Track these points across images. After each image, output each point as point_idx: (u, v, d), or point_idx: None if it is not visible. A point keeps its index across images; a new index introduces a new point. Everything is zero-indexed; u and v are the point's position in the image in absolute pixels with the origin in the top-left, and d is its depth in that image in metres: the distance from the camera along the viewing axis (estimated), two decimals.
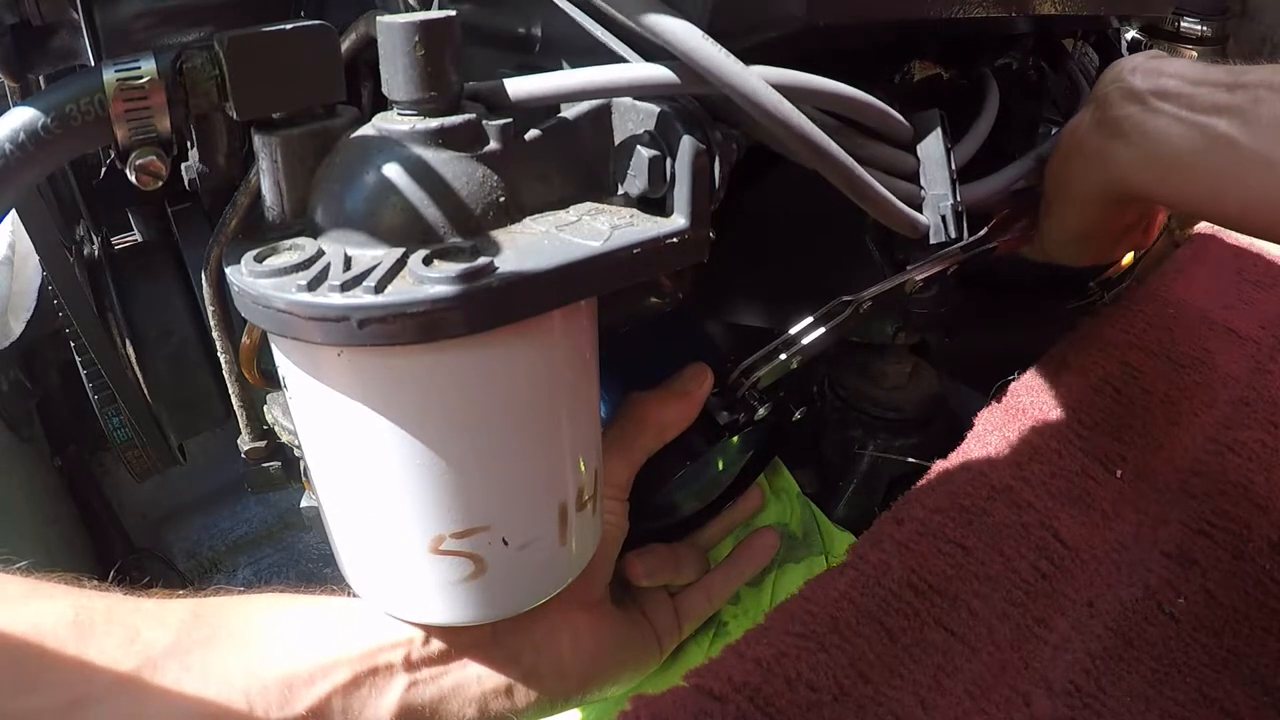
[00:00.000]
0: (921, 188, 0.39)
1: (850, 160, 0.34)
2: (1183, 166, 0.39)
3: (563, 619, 0.42)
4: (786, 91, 0.32)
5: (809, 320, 0.44)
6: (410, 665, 0.37)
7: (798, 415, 0.53)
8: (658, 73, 0.31)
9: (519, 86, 0.31)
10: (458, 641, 0.39)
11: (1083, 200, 0.45)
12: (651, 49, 0.32)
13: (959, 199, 0.39)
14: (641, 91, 0.32)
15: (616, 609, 0.46)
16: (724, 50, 0.30)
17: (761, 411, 0.48)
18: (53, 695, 0.31)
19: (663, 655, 0.49)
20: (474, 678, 0.39)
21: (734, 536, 0.56)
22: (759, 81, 0.31)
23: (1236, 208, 0.39)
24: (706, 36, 0.30)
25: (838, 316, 0.43)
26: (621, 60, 0.32)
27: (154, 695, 0.32)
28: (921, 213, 0.39)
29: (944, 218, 0.39)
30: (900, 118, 0.38)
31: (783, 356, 0.45)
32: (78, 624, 0.32)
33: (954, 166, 0.39)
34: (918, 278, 0.45)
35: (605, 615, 0.44)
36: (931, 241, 0.39)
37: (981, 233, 0.46)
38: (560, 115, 0.33)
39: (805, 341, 0.44)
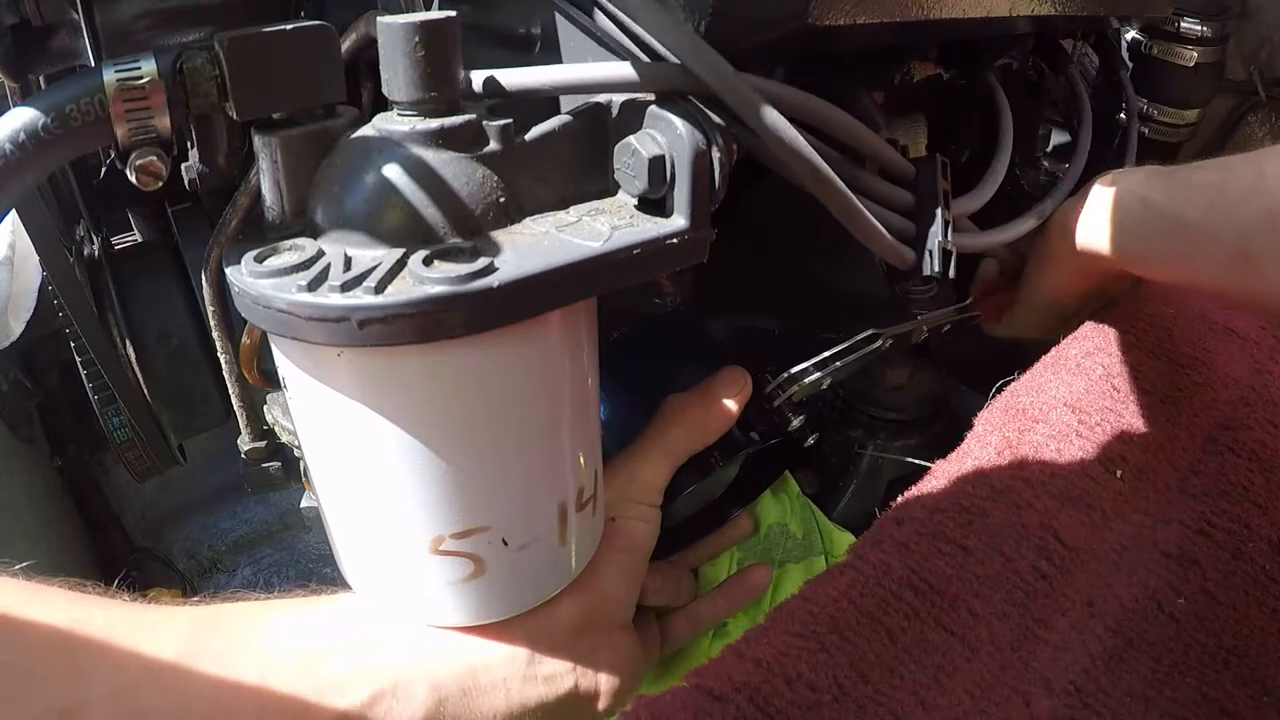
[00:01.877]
0: (916, 224, 0.41)
1: (846, 190, 0.35)
2: (1136, 231, 0.43)
3: (606, 638, 0.41)
4: (795, 113, 0.32)
5: (842, 346, 0.46)
6: (433, 684, 0.35)
7: (795, 424, 0.53)
8: (657, 71, 0.31)
9: (514, 77, 0.31)
10: (490, 660, 0.37)
11: (1056, 268, 0.49)
12: (653, 52, 0.32)
13: (948, 239, 0.41)
14: (640, 89, 0.32)
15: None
16: (736, 71, 0.30)
17: (795, 424, 0.48)
18: (40, 705, 0.29)
19: (644, 674, 0.47)
20: (501, 698, 0.36)
21: (728, 556, 0.56)
22: (769, 109, 0.31)
23: (1158, 267, 0.44)
24: (719, 56, 0.30)
25: (867, 348, 0.46)
26: (623, 60, 0.32)
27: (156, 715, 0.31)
28: (913, 246, 0.40)
29: (931, 253, 0.41)
30: (901, 158, 0.40)
31: (816, 375, 0.46)
32: (72, 639, 0.31)
33: (949, 209, 0.41)
34: (925, 328, 0.49)
35: (634, 633, 0.43)
36: (923, 274, 0.42)
37: (969, 301, 0.52)
38: (560, 116, 0.33)
39: (839, 364, 0.46)
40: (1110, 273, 0.48)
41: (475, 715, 0.36)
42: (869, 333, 0.46)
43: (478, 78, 0.31)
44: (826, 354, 0.46)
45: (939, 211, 0.41)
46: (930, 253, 0.41)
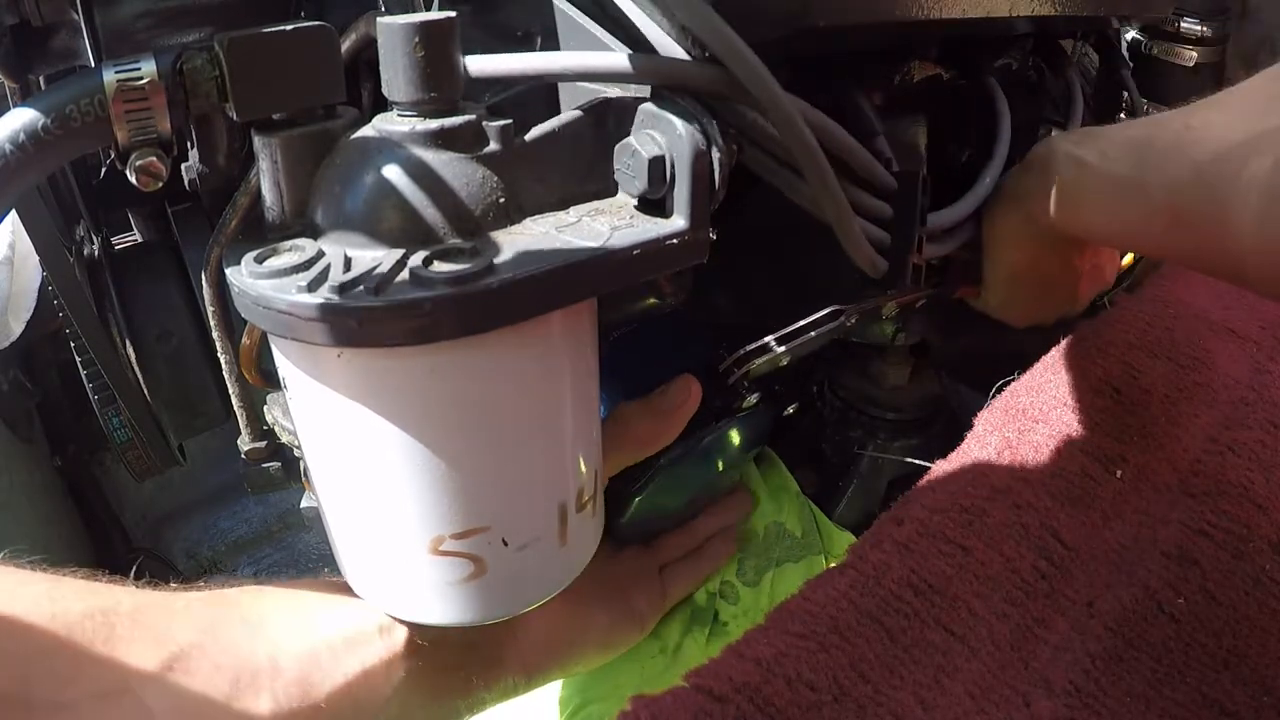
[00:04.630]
0: (892, 237, 0.41)
1: (845, 200, 0.35)
2: (1071, 192, 0.42)
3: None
4: None
5: (802, 324, 0.46)
6: (409, 654, 0.40)
7: (790, 410, 0.54)
8: (621, 61, 0.31)
9: (480, 64, 0.31)
10: (451, 640, 0.41)
11: (1009, 239, 0.47)
12: (651, 50, 0.32)
13: (919, 255, 0.41)
14: (601, 79, 0.32)
15: (592, 592, 0.48)
16: (765, 68, 0.30)
17: (750, 400, 0.49)
18: (84, 687, 0.32)
19: (645, 629, 0.51)
20: (458, 661, 0.42)
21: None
22: (792, 110, 0.31)
23: (1095, 229, 0.42)
24: (748, 49, 0.30)
25: (828, 325, 0.45)
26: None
27: (184, 690, 0.34)
28: (885, 256, 0.40)
29: (904, 268, 0.41)
30: (886, 173, 0.39)
31: (778, 350, 0.46)
32: (106, 621, 0.34)
33: (924, 225, 0.41)
34: (895, 304, 0.48)
35: (580, 599, 0.46)
36: (887, 288, 0.42)
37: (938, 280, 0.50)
38: (560, 116, 0.33)
39: (798, 341, 0.46)
40: (1061, 240, 0.46)
41: (444, 693, 0.41)
42: (831, 309, 0.45)
43: (474, 65, 0.31)
44: (784, 331, 0.46)
45: (914, 229, 0.41)
46: (903, 267, 0.41)
